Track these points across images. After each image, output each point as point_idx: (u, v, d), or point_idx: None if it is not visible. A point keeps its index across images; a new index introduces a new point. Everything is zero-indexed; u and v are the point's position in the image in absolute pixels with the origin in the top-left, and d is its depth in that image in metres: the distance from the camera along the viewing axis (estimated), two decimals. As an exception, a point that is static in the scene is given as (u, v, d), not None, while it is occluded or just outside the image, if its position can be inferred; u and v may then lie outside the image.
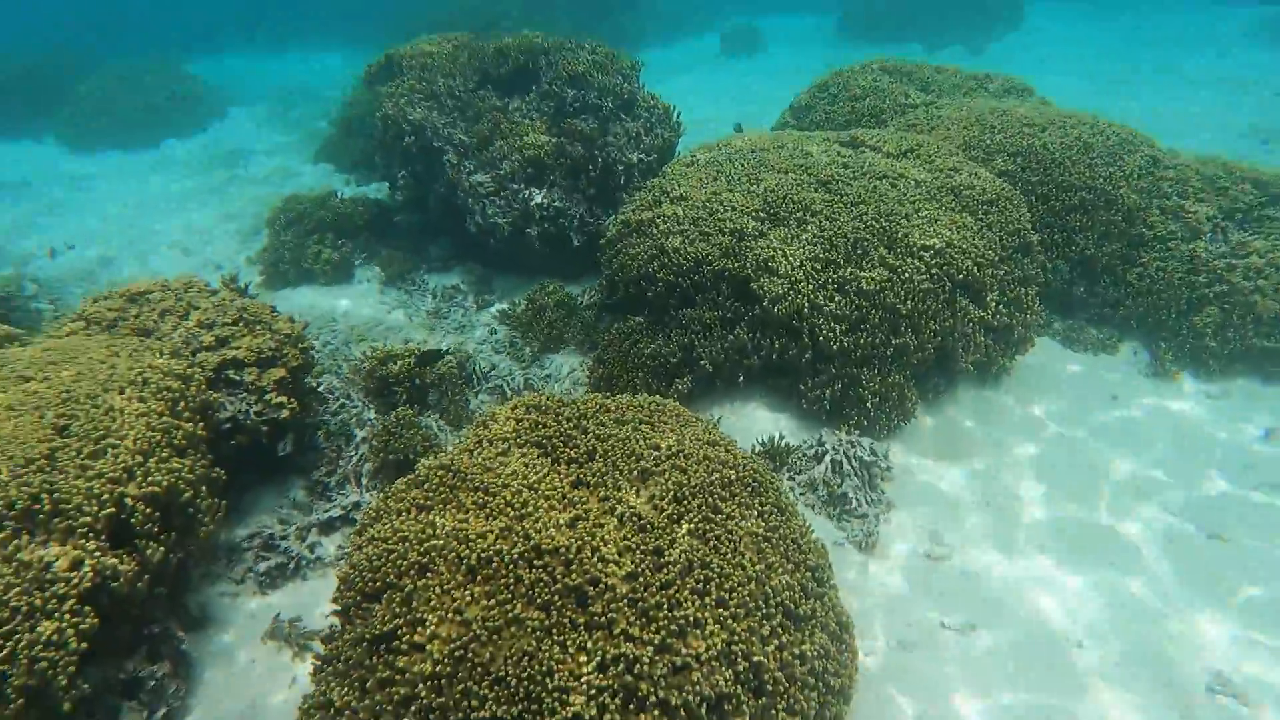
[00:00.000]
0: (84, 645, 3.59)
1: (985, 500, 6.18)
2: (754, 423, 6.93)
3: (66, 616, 3.57)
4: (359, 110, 14.08)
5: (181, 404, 4.83)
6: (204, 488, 4.58)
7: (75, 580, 3.68)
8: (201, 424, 4.88)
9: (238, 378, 5.72)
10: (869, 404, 6.59)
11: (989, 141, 8.54)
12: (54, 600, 3.58)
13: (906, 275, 6.72)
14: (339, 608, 4.38)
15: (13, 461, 3.99)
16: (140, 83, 19.67)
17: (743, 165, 8.07)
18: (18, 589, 3.53)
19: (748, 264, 6.93)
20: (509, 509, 4.45)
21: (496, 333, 8.80)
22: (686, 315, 7.15)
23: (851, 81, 10.69)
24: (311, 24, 33.11)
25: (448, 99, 9.64)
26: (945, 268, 6.81)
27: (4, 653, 3.36)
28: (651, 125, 9.47)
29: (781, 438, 6.46)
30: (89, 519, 3.89)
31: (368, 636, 4.07)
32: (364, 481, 6.30)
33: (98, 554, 3.84)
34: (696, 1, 31.93)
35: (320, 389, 7.17)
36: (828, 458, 6.25)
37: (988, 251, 6.99)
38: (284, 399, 5.72)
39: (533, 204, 8.79)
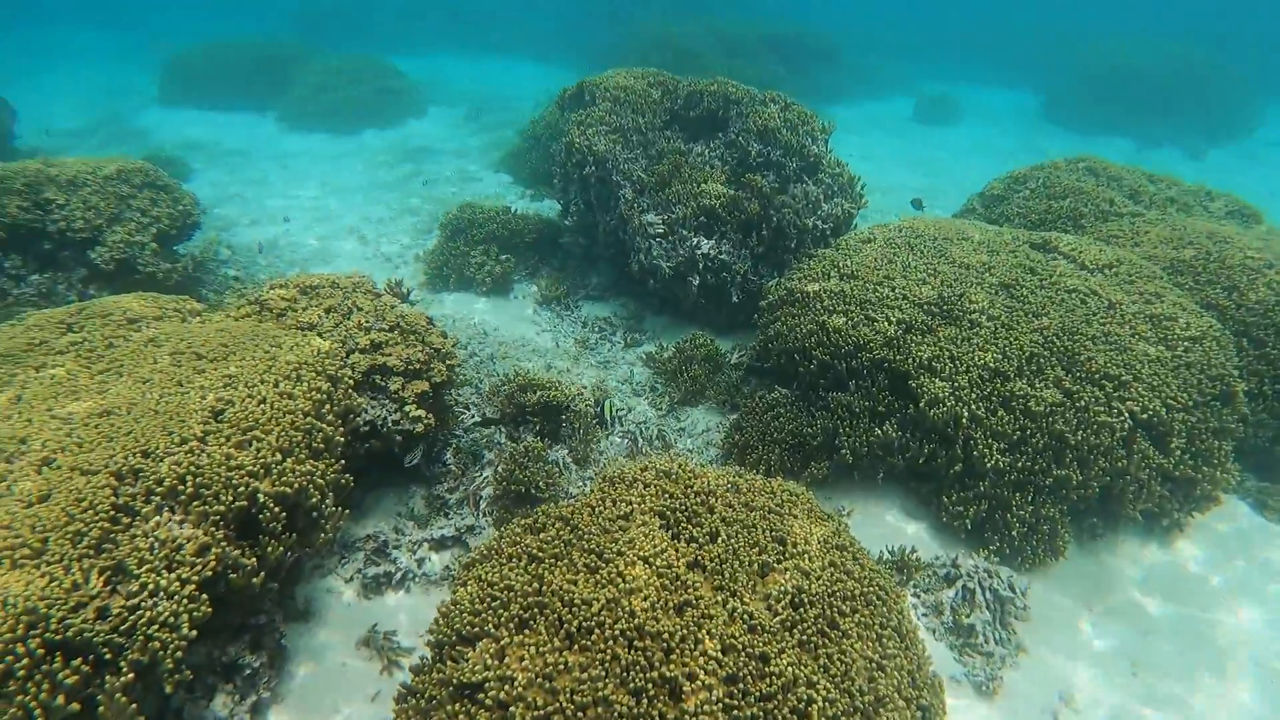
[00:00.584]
0: (194, 633, 3.72)
1: (1133, 671, 5.55)
2: (886, 526, 6.55)
3: (184, 601, 3.72)
4: (546, 128, 14.56)
5: (327, 406, 5.00)
6: (331, 495, 4.71)
7: (199, 566, 3.83)
8: (341, 428, 5.04)
9: (383, 384, 5.91)
10: (1015, 531, 6.08)
11: (1201, 269, 7.79)
12: (177, 583, 3.74)
13: (1083, 403, 6.18)
14: (433, 639, 4.38)
15: (171, 439, 4.22)
16: (354, 75, 21.28)
17: (922, 252, 7.71)
18: (149, 567, 3.71)
19: (910, 359, 6.58)
20: (619, 580, 4.33)
21: (640, 375, 8.78)
22: (835, 399, 6.86)
23: (1054, 178, 10.08)
24: (516, 36, 34.77)
25: (633, 134, 9.76)
26: (1128, 403, 6.22)
27: (125, 625, 3.52)
28: (833, 192, 9.24)
29: (913, 550, 6.05)
30: (222, 508, 4.06)
31: (454, 681, 4.04)
32: (482, 506, 6.37)
33: (224, 544, 3.99)
34: (897, 64, 31.38)
35: (459, 402, 7.34)
36: (960, 583, 5.80)
37: (1181, 393, 6.33)
38: (422, 413, 5.86)
39: (699, 252, 8.73)
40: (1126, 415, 6.19)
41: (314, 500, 4.53)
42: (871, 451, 6.59)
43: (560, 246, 11.03)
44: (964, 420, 6.22)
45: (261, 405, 4.71)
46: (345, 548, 6.15)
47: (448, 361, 6.26)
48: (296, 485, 4.41)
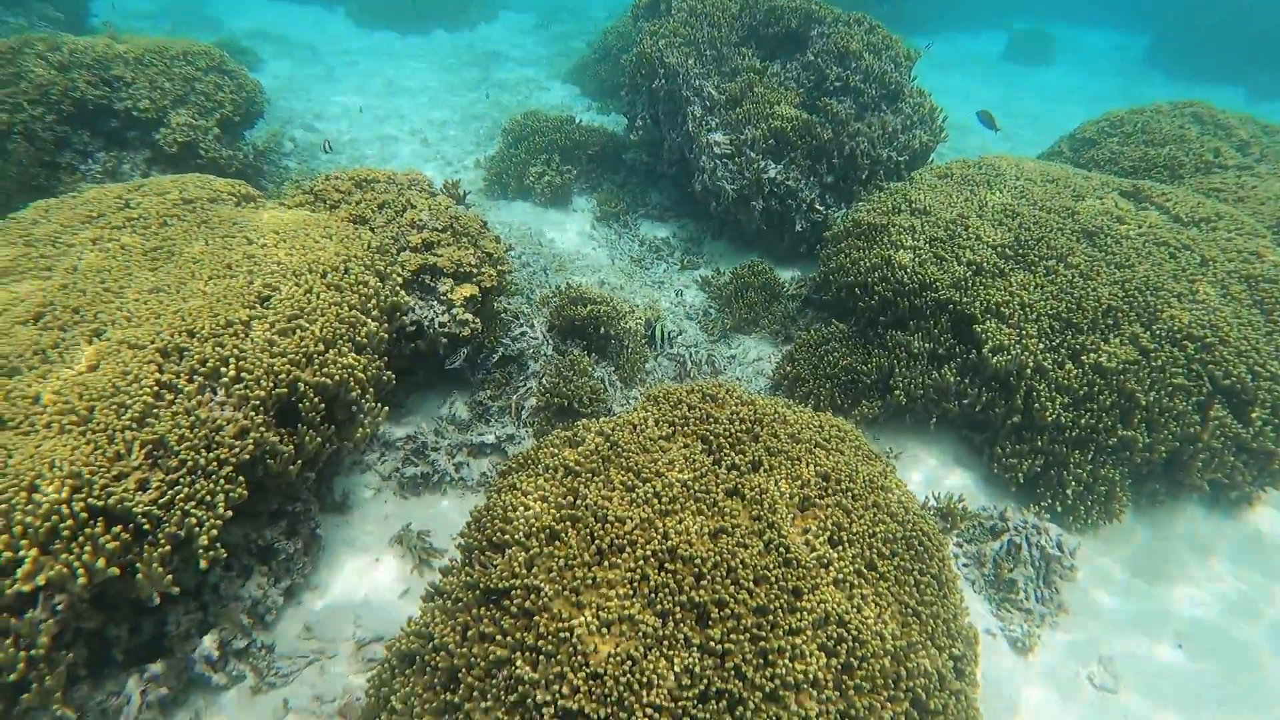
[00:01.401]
0: (229, 513, 3.74)
1: (1179, 643, 5.33)
2: (935, 472, 6.34)
3: (221, 481, 3.73)
4: (617, 39, 14.08)
5: (373, 301, 4.93)
6: (371, 390, 4.67)
7: (237, 449, 3.83)
8: (386, 324, 4.98)
9: (432, 285, 5.82)
10: (1070, 490, 5.83)
11: (1308, 231, 7.23)
12: (215, 463, 3.75)
13: (1159, 363, 5.82)
14: (464, 542, 4.37)
15: (216, 320, 4.19)
16: (426, -28, 20.74)
17: (1001, 192, 7.27)
18: (189, 444, 3.72)
19: (977, 302, 6.26)
20: (656, 500, 4.24)
21: (693, 298, 8.58)
22: (894, 338, 6.59)
23: (1153, 123, 9.39)
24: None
25: (707, 48, 9.33)
26: (1210, 365, 5.84)
27: (164, 499, 3.55)
28: (911, 124, 8.75)
29: (960, 499, 5.85)
30: (263, 393, 4.04)
31: (482, 586, 4.02)
32: (524, 416, 6.32)
33: (262, 429, 3.98)
34: (990, -5, 29.58)
35: (508, 311, 7.25)
36: (1007, 536, 5.60)
37: (1271, 361, 5.92)
38: (469, 316, 5.78)
39: (765, 176, 8.40)
40: (1206, 379, 5.82)
41: (354, 394, 4.49)
42: (927, 395, 6.34)
43: (623, 162, 10.75)
44: (1028, 370, 5.92)
45: (308, 295, 4.66)
46: (386, 446, 6.19)
47: (499, 267, 6.14)
48: (337, 377, 4.37)
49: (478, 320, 5.86)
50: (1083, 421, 5.81)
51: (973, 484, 6.28)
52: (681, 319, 8.27)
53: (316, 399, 4.31)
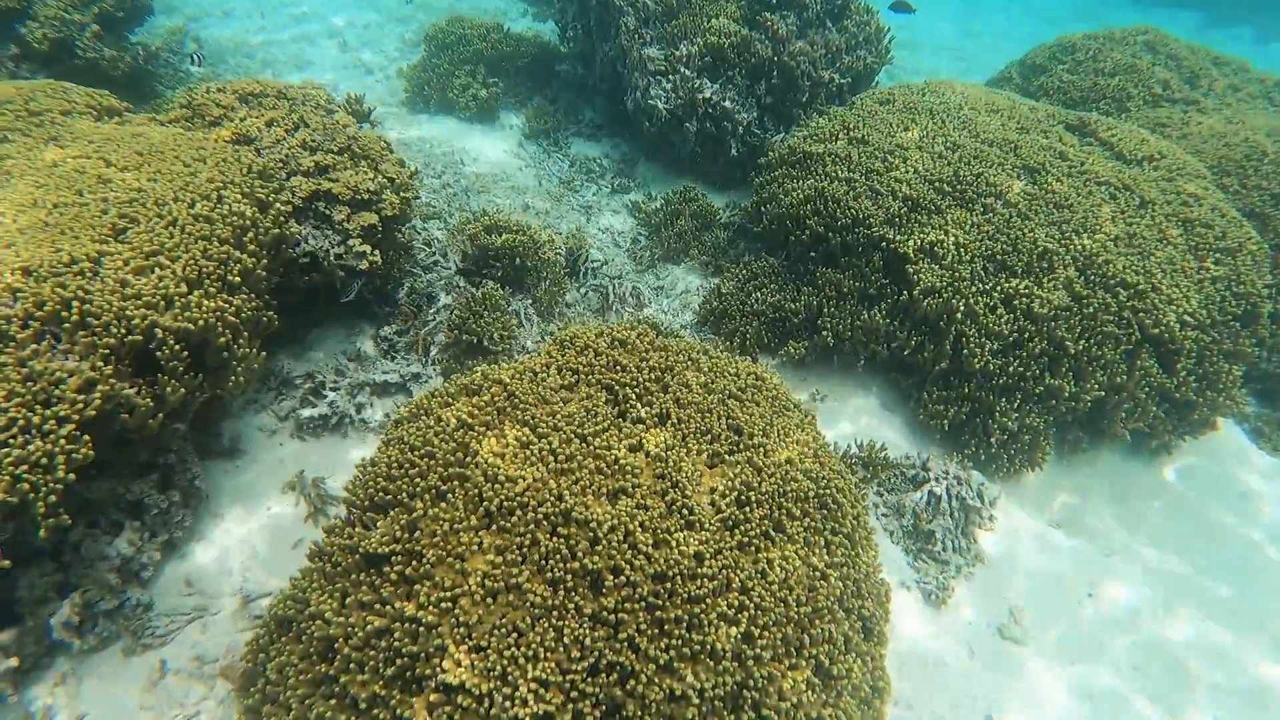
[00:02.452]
0: (71, 476, 3.35)
1: (1089, 591, 5.33)
2: (861, 416, 6.17)
3: (61, 442, 3.33)
4: (559, -63, 13.10)
5: (250, 235, 4.45)
6: (246, 334, 4.25)
7: (81, 405, 3.41)
8: (265, 261, 4.51)
9: (328, 212, 5.32)
10: (994, 439, 5.71)
11: (1250, 172, 7.05)
12: (53, 421, 3.33)
13: (1091, 310, 5.65)
14: (348, 498, 4.06)
15: (58, 257, 3.70)
16: None
17: (943, 122, 6.92)
18: (19, 400, 3.29)
19: (911, 241, 5.98)
20: (551, 458, 3.95)
21: (623, 225, 8.16)
22: (824, 275, 6.30)
23: (1104, 51, 9.05)
24: None
25: (646, -48, 8.65)
26: (1141, 314, 5.69)
27: (-14, 464, 3.15)
28: (856, 43, 8.27)
29: (883, 448, 5.69)
30: (113, 340, 3.60)
31: (362, 550, 3.73)
32: (432, 353, 5.95)
33: (114, 380, 3.56)
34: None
35: (420, 238, 6.77)
36: (927, 487, 5.48)
37: (1200, 310, 5.80)
38: (367, 248, 5.32)
39: (700, 96, 7.90)
40: (1136, 328, 5.68)
41: (224, 339, 4.07)
42: (855, 336, 6.11)
43: (556, 75, 10.09)
44: (958, 315, 5.70)
45: (171, 228, 4.16)
46: (284, 384, 5.78)
47: (403, 194, 5.65)
48: (202, 321, 3.93)
49: (376, 253, 5.40)
50: (1011, 369, 5.64)
51: (899, 429, 6.14)
52: (609, 246, 7.87)
53: (178, 346, 3.88)
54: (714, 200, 8.40)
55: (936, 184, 6.28)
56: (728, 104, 7.92)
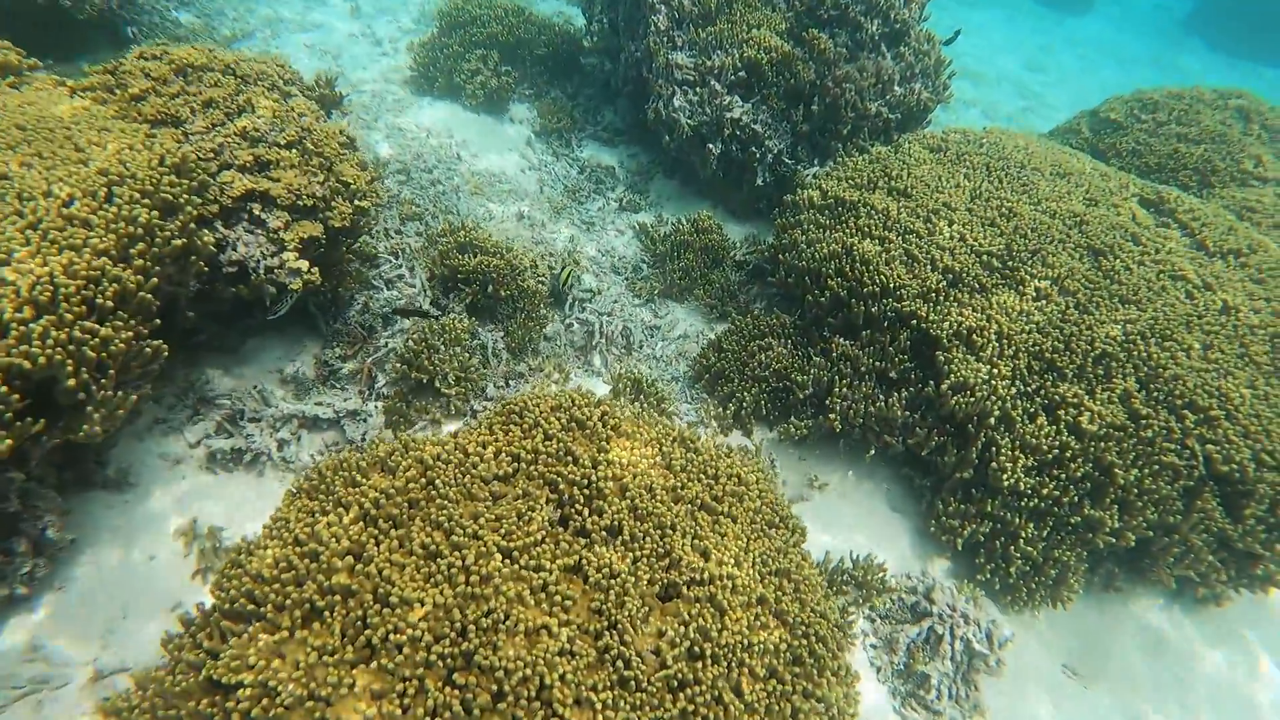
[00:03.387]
0: None
1: (1107, 774, 4.45)
2: (861, 514, 5.30)
3: None
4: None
5: (141, 245, 3.62)
6: (112, 373, 3.43)
7: None
8: (157, 280, 3.68)
9: (263, 217, 4.49)
10: (1014, 568, 4.83)
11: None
12: None
13: (1150, 434, 4.74)
14: (213, 593, 3.25)
15: None
16: None
17: (1000, 181, 5.99)
18: None
19: (946, 323, 5.08)
20: (463, 577, 3.13)
21: (626, 249, 7.29)
22: (840, 347, 5.42)
23: (1192, 113, 8.03)
24: None
25: (691, -55, 7.72)
26: (1209, 445, 4.77)
27: None
28: (913, 74, 7.32)
29: (881, 567, 4.82)
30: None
31: (208, 674, 2.93)
32: (377, 385, 5.13)
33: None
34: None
35: (387, 245, 5.94)
36: (929, 623, 4.61)
37: (1280, 448, 4.86)
38: (304, 264, 4.48)
39: (728, 115, 6.99)
40: (1201, 462, 4.76)
41: (73, 382, 3.26)
42: (868, 424, 5.23)
43: (580, 68, 9.19)
44: (992, 420, 4.81)
45: (29, 231, 3.34)
46: (203, 402, 4.98)
47: (357, 202, 4.81)
48: (44, 358, 3.12)
49: (315, 270, 4.57)
50: (1045, 491, 4.74)
51: (905, 534, 5.27)
52: (607, 271, 7.00)
53: (8, 389, 3.07)
54: (731, 230, 7.51)
55: (984, 257, 5.36)
56: (758, 128, 7.01)
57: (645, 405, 5.46)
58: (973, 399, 4.84)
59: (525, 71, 8.75)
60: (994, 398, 4.81)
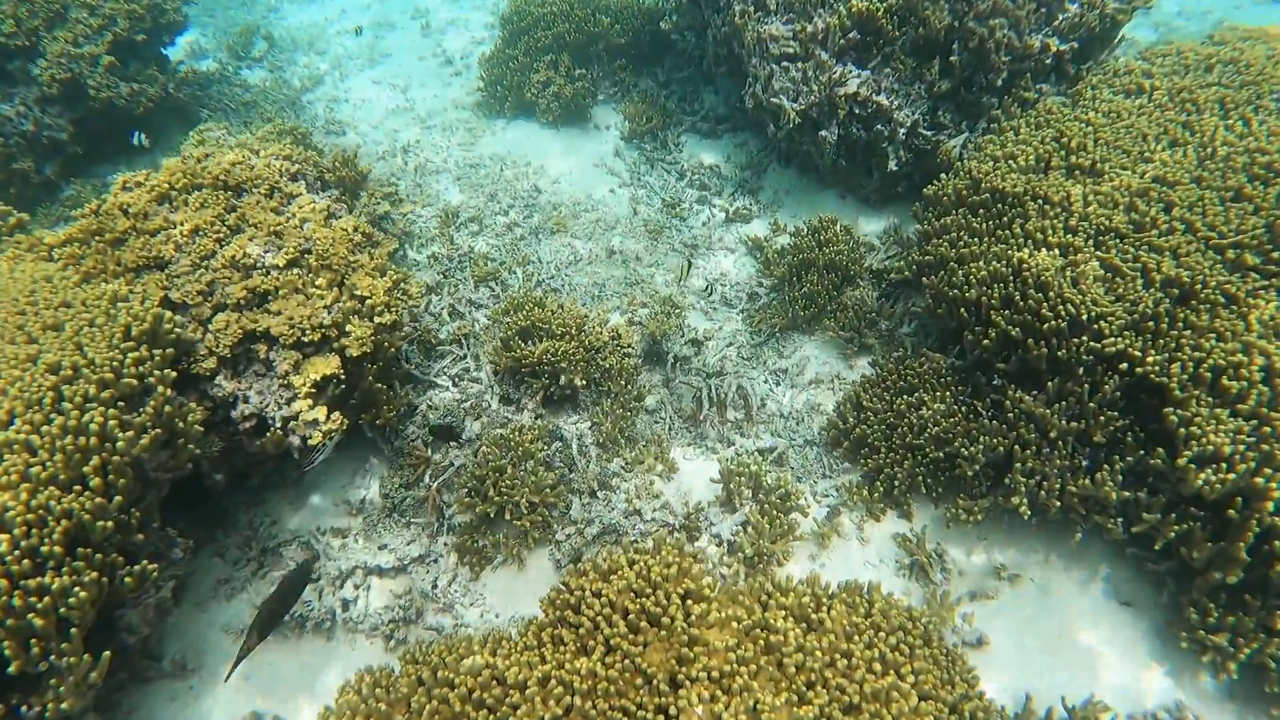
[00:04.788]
0: None
1: None
2: (1072, 616, 3.92)
3: None
4: None
5: (95, 461, 2.92)
6: (80, 624, 2.76)
7: None
8: (121, 499, 2.97)
9: (272, 357, 3.73)
10: (1323, 709, 3.30)
11: None
12: None
13: None
14: None
15: None
16: None
17: (1246, 120, 4.22)
18: None
19: (1176, 365, 3.54)
20: None
21: (740, 269, 6.08)
22: (1019, 401, 3.99)
23: None
24: None
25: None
26: None
27: None
28: (1087, -15, 5.48)
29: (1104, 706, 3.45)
30: None
31: None
32: (447, 516, 4.31)
33: None
34: None
35: (450, 328, 5.10)
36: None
37: None
38: (320, 413, 3.69)
39: (842, 91, 5.55)
40: None
41: (14, 666, 2.61)
42: (1071, 506, 3.81)
43: (670, 48, 7.89)
44: (1270, 504, 3.27)
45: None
46: (268, 554, 4.42)
47: (378, 318, 3.96)
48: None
49: (337, 416, 3.77)
50: (1365, 606, 3.18)
51: (1140, 639, 3.84)
52: (718, 306, 5.83)
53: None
54: (866, 225, 6.10)
55: (1231, 251, 3.72)
56: (883, 99, 5.51)
57: (766, 509, 4.30)
58: (1229, 478, 3.31)
59: (604, 68, 7.61)
60: (1269, 469, 3.27)
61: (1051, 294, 3.85)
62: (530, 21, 7.39)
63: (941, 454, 4.24)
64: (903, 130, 5.60)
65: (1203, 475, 3.40)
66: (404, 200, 6.14)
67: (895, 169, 5.74)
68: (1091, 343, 3.73)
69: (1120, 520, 3.78)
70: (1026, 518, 3.89)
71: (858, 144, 5.84)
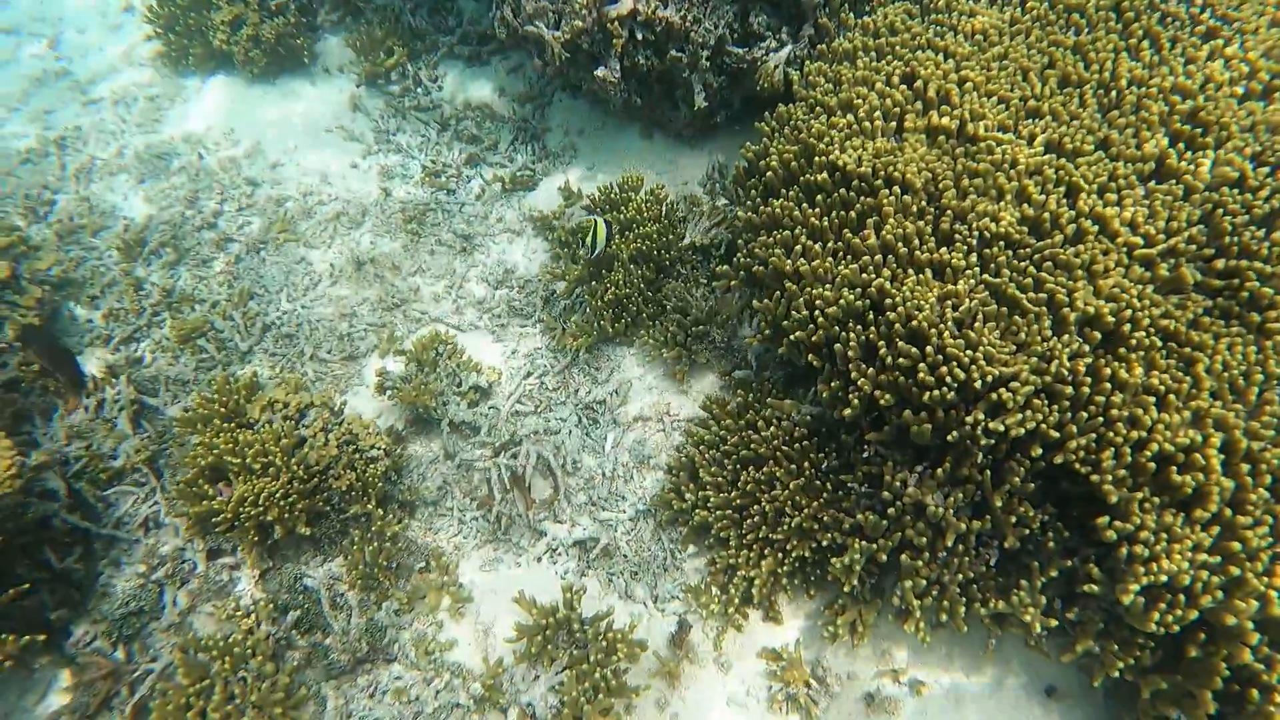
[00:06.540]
0: None
1: None
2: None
3: None
4: None
5: None
6: None
7: None
8: None
9: None
10: None
11: None
12: None
13: None
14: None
15: None
16: None
17: (1153, 20, 2.97)
18: None
19: (1109, 450, 2.44)
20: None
21: (528, 255, 4.63)
22: (901, 490, 2.86)
23: None
24: None
25: None
26: None
27: None
28: None
29: None
30: None
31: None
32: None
33: None
34: None
35: (134, 456, 3.58)
36: None
37: None
38: None
39: (614, 10, 3.96)
40: None
41: None
42: (975, 619, 2.81)
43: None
44: (1246, 655, 2.31)
45: None
46: None
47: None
48: None
49: None
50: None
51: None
52: (505, 316, 4.44)
53: None
54: (685, 165, 4.71)
55: (1162, 256, 2.56)
56: (672, 14, 3.95)
57: (587, 664, 3.15)
58: (1194, 613, 2.32)
59: (321, -15, 5.65)
60: (1245, 600, 2.28)
61: (930, 346, 2.64)
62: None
63: (807, 551, 3.13)
64: (705, 53, 4.10)
65: (1156, 614, 2.39)
66: (42, 250, 4.35)
67: (705, 104, 4.27)
68: (990, 422, 2.57)
69: (1044, 634, 2.80)
70: (920, 637, 2.87)
71: (652, 73, 4.32)
